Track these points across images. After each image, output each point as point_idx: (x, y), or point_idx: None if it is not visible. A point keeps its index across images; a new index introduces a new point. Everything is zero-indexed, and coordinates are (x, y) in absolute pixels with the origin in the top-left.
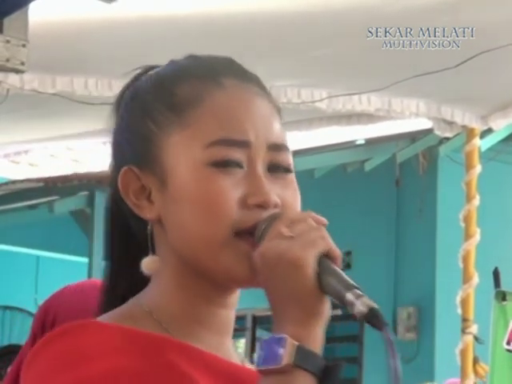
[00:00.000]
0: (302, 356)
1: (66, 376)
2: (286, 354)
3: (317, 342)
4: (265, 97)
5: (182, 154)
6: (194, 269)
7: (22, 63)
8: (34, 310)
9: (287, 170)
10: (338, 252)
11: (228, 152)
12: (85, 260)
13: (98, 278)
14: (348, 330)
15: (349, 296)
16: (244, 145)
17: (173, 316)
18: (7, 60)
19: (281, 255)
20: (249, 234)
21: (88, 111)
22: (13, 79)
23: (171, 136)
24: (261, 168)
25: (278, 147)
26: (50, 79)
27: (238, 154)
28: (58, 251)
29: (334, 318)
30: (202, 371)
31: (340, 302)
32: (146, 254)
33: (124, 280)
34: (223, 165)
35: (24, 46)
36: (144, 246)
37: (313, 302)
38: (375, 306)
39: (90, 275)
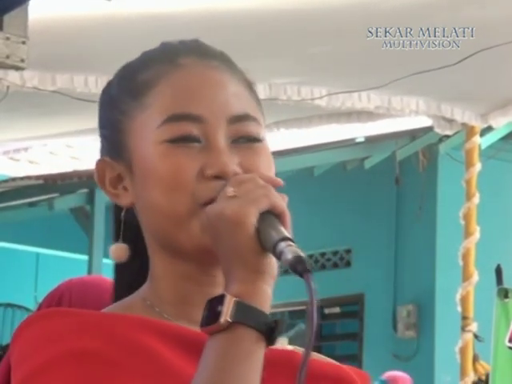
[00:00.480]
0: (242, 311)
1: (30, 360)
2: (224, 311)
3: (262, 299)
4: (228, 71)
5: (141, 135)
6: (169, 248)
7: (22, 60)
8: (34, 308)
9: (254, 140)
10: (282, 208)
11: (181, 127)
12: (84, 257)
13: (98, 275)
14: (348, 328)
15: (280, 246)
16: (197, 118)
17: (163, 299)
18: (7, 57)
19: (220, 214)
20: None
21: (88, 109)
22: (13, 76)
23: (133, 121)
24: (221, 141)
25: (238, 118)
26: (50, 76)
27: (192, 128)
28: (58, 249)
29: (333, 316)
30: (173, 345)
31: (275, 256)
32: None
33: (127, 274)
34: (178, 140)
35: (24, 43)
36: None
37: (255, 259)
38: (301, 253)
39: (89, 272)
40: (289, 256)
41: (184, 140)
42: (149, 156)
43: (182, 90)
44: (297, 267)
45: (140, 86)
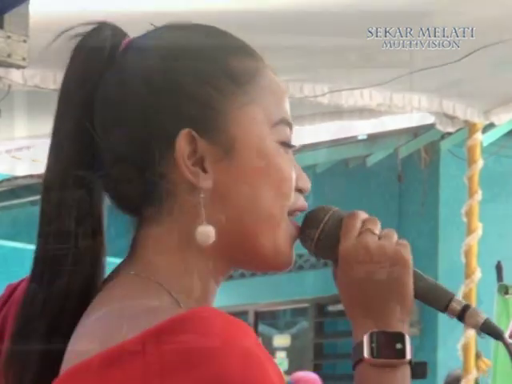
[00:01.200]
0: (412, 352)
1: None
2: (407, 351)
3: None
4: None
5: (253, 127)
6: (235, 247)
7: (23, 59)
8: None
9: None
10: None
11: (288, 133)
12: None
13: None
14: (350, 326)
15: (455, 306)
16: (291, 129)
17: (192, 297)
18: (8, 55)
19: (392, 254)
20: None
21: None
22: (14, 75)
23: (238, 107)
24: None
25: None
26: (52, 75)
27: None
28: None
29: (336, 314)
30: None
31: (439, 309)
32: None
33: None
34: (287, 145)
35: (25, 41)
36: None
37: (410, 303)
38: (486, 317)
39: None
40: (475, 321)
41: (290, 146)
42: (261, 152)
43: (281, 96)
44: (489, 332)
45: (239, 74)
